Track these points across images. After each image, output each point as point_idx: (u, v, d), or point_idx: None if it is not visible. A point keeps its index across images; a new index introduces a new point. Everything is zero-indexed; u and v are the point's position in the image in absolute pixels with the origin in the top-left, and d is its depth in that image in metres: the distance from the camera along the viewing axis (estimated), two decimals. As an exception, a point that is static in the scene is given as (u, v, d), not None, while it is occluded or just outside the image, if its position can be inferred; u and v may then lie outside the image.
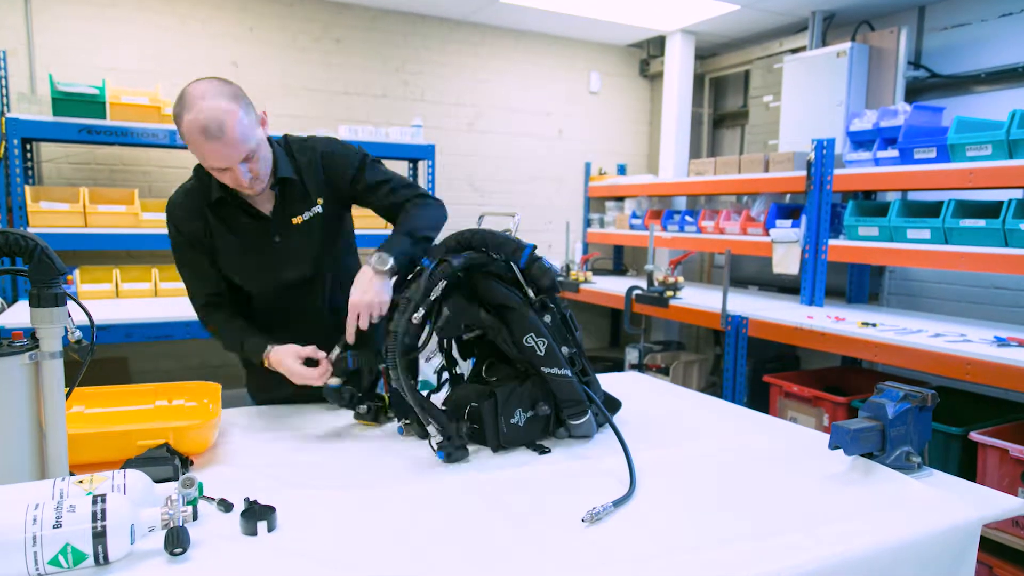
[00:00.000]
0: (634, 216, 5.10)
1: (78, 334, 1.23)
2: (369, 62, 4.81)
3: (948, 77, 4.01)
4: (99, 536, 0.98)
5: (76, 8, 4.00)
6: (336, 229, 1.87)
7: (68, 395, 1.25)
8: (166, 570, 1.03)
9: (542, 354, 1.56)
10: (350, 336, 1.64)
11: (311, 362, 1.70)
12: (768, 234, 3.85)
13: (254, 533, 1.14)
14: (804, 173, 3.66)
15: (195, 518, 1.11)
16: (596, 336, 5.83)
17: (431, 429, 1.49)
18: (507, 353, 1.64)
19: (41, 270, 1.17)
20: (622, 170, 5.74)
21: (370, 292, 1.61)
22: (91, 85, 3.59)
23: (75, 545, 0.97)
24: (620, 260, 5.72)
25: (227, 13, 4.37)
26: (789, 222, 3.79)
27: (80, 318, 1.27)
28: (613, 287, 4.39)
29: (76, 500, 1.01)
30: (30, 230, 3.11)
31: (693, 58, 5.29)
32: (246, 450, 1.56)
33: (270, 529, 1.16)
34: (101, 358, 3.82)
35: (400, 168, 4.84)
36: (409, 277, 1.69)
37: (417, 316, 1.51)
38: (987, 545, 2.49)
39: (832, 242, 3.56)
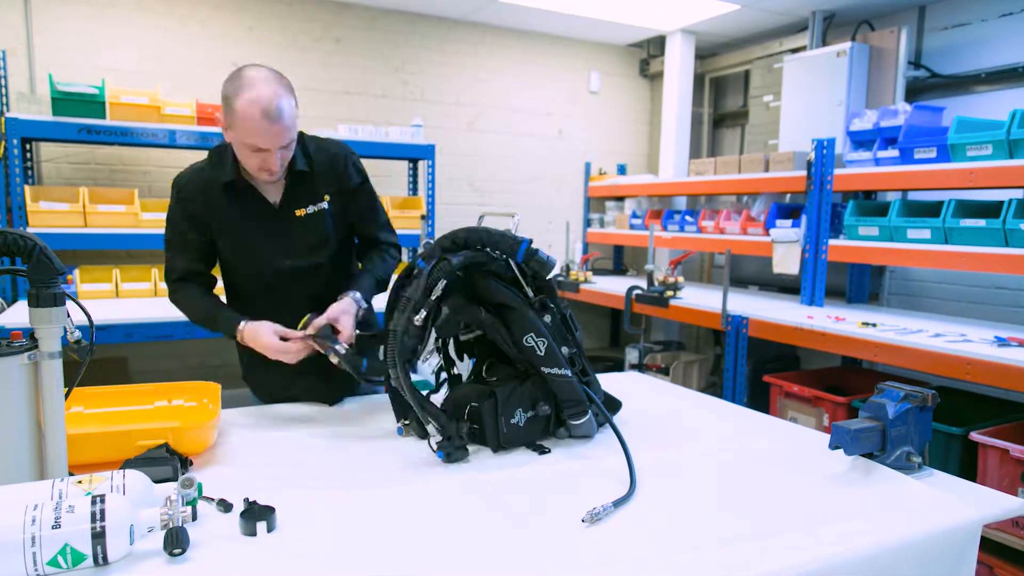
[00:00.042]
0: (634, 216, 5.10)
1: (77, 334, 1.23)
2: (369, 62, 4.81)
3: (948, 77, 4.01)
4: (98, 537, 0.98)
5: (75, 8, 4.00)
6: (338, 226, 1.91)
7: (67, 395, 1.25)
8: (165, 571, 1.02)
9: (542, 354, 1.56)
10: (314, 328, 1.72)
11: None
12: (768, 234, 3.85)
13: (253, 533, 1.14)
14: (804, 173, 3.66)
15: (194, 518, 1.11)
16: (596, 336, 5.83)
17: (430, 428, 1.49)
18: (507, 353, 1.64)
19: (40, 270, 1.17)
20: (622, 170, 5.73)
21: (345, 308, 1.75)
22: (91, 85, 3.59)
23: (74, 546, 0.97)
24: (620, 260, 5.72)
25: (226, 13, 4.37)
26: (789, 222, 3.79)
27: (80, 318, 1.27)
28: (613, 287, 4.39)
29: (75, 500, 1.01)
30: (30, 230, 3.11)
31: (693, 58, 5.29)
32: (246, 450, 1.56)
33: (269, 529, 1.15)
34: (101, 358, 3.82)
35: (400, 168, 4.85)
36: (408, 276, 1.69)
37: (419, 317, 1.51)
38: (987, 545, 2.49)
39: (832, 242, 3.55)
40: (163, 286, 3.68)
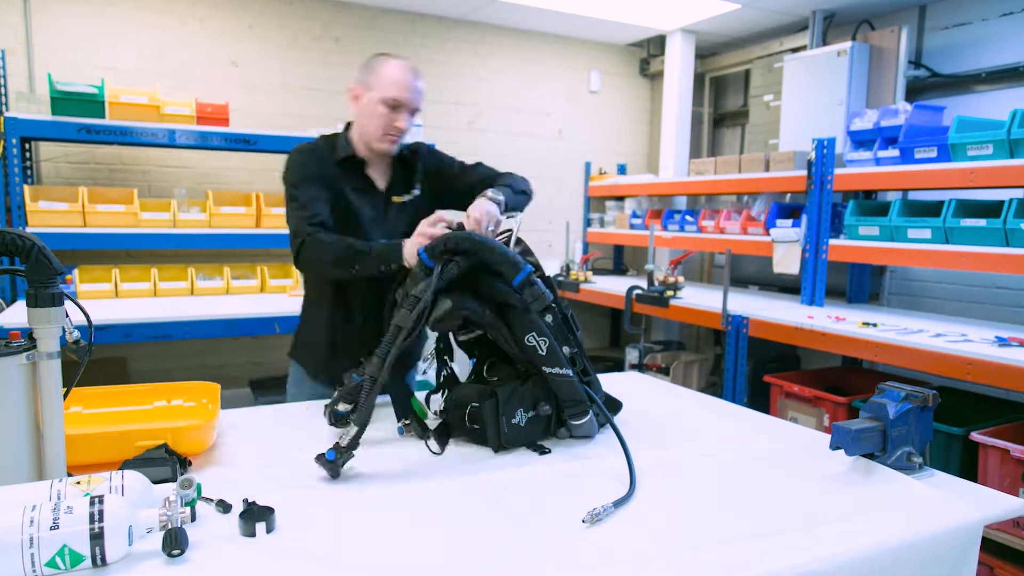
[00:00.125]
0: (634, 216, 5.09)
1: (76, 334, 1.23)
2: (369, 61, 4.80)
3: (949, 76, 4.01)
4: (96, 538, 0.98)
5: (75, 7, 3.99)
6: (426, 215, 1.85)
7: (66, 395, 1.24)
8: (164, 571, 1.02)
9: (543, 354, 1.56)
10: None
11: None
12: (768, 234, 3.84)
13: (253, 534, 1.13)
14: (804, 173, 3.66)
15: (193, 519, 1.10)
16: (596, 336, 5.83)
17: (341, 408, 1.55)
18: (508, 353, 1.63)
19: (38, 270, 1.17)
20: (622, 170, 5.73)
21: (487, 207, 1.75)
22: (90, 84, 3.58)
23: (72, 547, 0.97)
24: (620, 260, 5.71)
25: (225, 12, 4.36)
26: (789, 222, 3.78)
27: (78, 318, 1.26)
28: (613, 287, 4.38)
29: (73, 501, 1.00)
30: (29, 230, 3.10)
31: (693, 57, 5.28)
32: (245, 451, 1.55)
33: (269, 530, 1.15)
34: (100, 358, 3.82)
35: (400, 167, 4.84)
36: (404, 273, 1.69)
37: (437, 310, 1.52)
38: (988, 546, 2.49)
39: (833, 242, 3.55)
40: (163, 286, 3.72)
